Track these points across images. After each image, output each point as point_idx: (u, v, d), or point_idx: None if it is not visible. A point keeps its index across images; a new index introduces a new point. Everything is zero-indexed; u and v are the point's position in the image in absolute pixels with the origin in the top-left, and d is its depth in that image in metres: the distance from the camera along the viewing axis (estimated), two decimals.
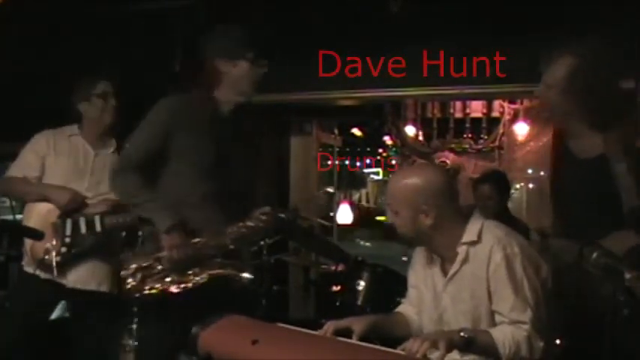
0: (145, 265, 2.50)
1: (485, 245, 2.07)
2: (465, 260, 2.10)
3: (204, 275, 2.48)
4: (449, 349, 1.84)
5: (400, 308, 2.37)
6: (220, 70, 2.56)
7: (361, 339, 2.05)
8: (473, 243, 2.09)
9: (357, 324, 2.10)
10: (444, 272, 2.17)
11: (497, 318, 2.03)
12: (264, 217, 2.57)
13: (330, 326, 2.08)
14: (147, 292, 2.47)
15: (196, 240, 2.50)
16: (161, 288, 2.48)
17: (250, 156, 2.80)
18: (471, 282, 2.08)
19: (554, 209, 2.58)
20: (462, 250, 2.11)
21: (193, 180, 2.54)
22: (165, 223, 2.48)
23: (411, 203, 2.10)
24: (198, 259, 2.49)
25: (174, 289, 2.47)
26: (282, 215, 2.68)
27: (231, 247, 2.52)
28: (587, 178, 2.36)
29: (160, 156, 2.55)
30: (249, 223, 2.55)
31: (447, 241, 2.13)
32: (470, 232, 2.11)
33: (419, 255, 2.31)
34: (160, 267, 2.49)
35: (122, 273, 2.52)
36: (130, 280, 2.49)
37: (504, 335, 1.95)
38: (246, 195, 2.72)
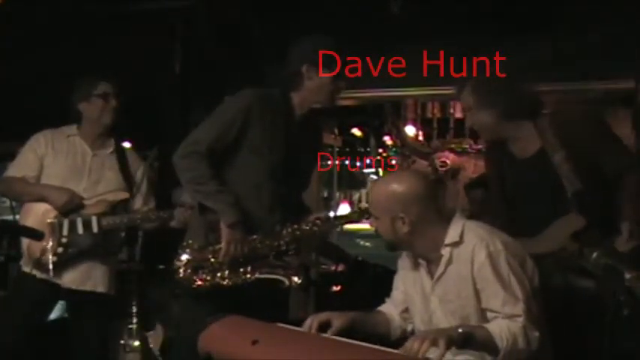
0: (198, 256, 2.52)
1: (467, 245, 2.08)
2: (450, 261, 2.12)
3: (254, 275, 2.51)
4: (448, 347, 1.84)
5: (382, 307, 2.39)
6: (304, 75, 2.58)
7: (342, 335, 2.06)
8: (456, 244, 2.11)
9: (337, 319, 2.14)
10: (431, 274, 2.18)
11: (490, 315, 2.03)
12: (319, 222, 2.60)
13: (314, 321, 2.12)
14: (197, 283, 2.50)
15: (253, 237, 2.52)
16: (211, 282, 2.50)
17: (313, 162, 2.88)
18: (457, 282, 2.10)
19: (499, 212, 2.68)
20: (445, 251, 2.12)
21: (259, 176, 2.56)
22: (231, 218, 2.48)
23: (387, 210, 2.14)
24: (251, 256, 2.52)
25: (223, 283, 2.50)
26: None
27: (284, 248, 2.55)
28: (531, 175, 2.50)
29: (230, 147, 2.55)
30: (305, 227, 2.58)
31: (430, 245, 2.15)
32: (452, 234, 2.12)
33: (405, 259, 2.33)
34: (212, 260, 2.51)
35: (175, 263, 2.52)
36: (181, 270, 2.51)
37: (500, 328, 1.95)
38: (301, 199, 2.79)
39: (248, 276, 2.51)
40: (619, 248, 2.26)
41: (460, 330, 1.91)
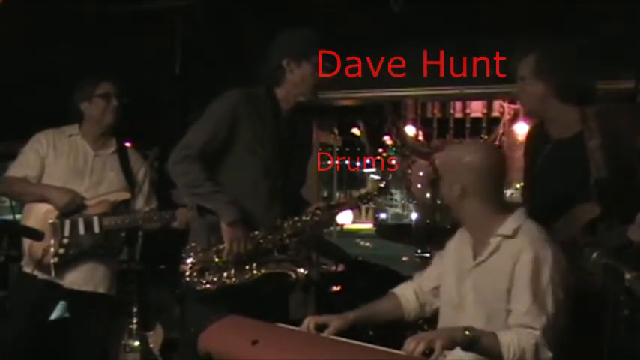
0: (202, 258, 2.53)
1: (517, 242, 2.07)
2: (495, 251, 2.10)
3: (260, 271, 2.52)
4: (449, 347, 1.84)
5: (399, 287, 2.39)
6: (285, 68, 2.60)
7: (344, 334, 2.06)
8: (507, 237, 2.09)
9: (335, 320, 2.14)
10: (474, 257, 2.18)
11: (510, 319, 2.01)
12: (319, 212, 2.61)
13: (310, 321, 2.12)
14: (205, 285, 2.50)
15: (255, 233, 2.53)
16: (218, 282, 2.51)
17: (306, 155, 2.87)
18: (495, 274, 2.08)
19: (529, 190, 2.67)
20: (494, 240, 2.11)
21: (254, 174, 2.58)
22: (230, 216, 2.50)
23: (446, 172, 2.20)
24: (255, 253, 2.53)
25: (230, 282, 2.50)
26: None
27: (287, 242, 2.56)
28: (565, 154, 2.46)
29: (222, 148, 2.58)
30: (305, 218, 2.59)
31: (483, 224, 2.15)
32: (507, 226, 2.11)
33: (456, 237, 2.33)
34: (217, 260, 2.52)
35: (181, 266, 2.53)
36: (187, 273, 2.52)
37: (510, 339, 1.93)
38: (298, 193, 2.79)
39: (254, 272, 2.52)
40: (630, 236, 2.24)
41: (467, 332, 1.90)
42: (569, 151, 2.45)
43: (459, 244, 2.30)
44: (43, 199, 2.98)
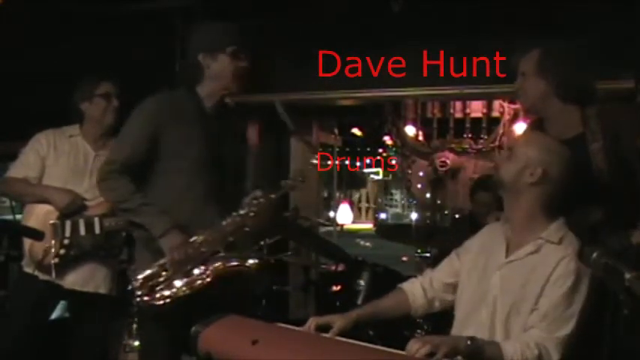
0: (150, 274, 2.46)
1: (562, 250, 2.04)
2: (534, 253, 2.08)
3: (210, 272, 2.45)
4: (450, 355, 1.83)
5: (408, 283, 2.36)
6: (202, 65, 2.56)
7: (348, 333, 2.05)
8: (551, 242, 2.08)
9: (339, 320, 2.11)
10: (507, 254, 2.15)
11: (532, 318, 2.00)
12: (255, 202, 2.55)
13: (312, 323, 2.09)
14: (160, 302, 2.43)
15: (194, 238, 2.47)
16: (173, 296, 2.43)
17: (240, 151, 2.78)
18: (528, 275, 2.05)
19: None
20: (535, 242, 2.09)
21: (185, 177, 2.53)
22: (160, 228, 2.45)
23: (528, 156, 2.12)
24: (201, 257, 2.47)
25: (184, 293, 2.43)
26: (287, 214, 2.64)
27: (231, 239, 2.49)
28: None
29: (148, 157, 2.53)
30: (242, 211, 2.52)
31: (529, 223, 2.12)
32: (552, 232, 2.10)
33: (483, 235, 2.31)
34: (164, 273, 2.45)
35: (130, 288, 2.47)
36: (139, 293, 2.45)
37: (514, 350, 1.92)
38: (240, 190, 2.70)
39: (205, 277, 2.44)
40: (635, 242, 2.24)
41: (469, 342, 1.89)
42: (573, 153, 2.45)
43: (486, 241, 2.26)
44: (44, 200, 2.98)
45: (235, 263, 2.48)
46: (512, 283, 2.08)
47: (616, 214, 2.28)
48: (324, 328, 2.10)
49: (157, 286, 2.44)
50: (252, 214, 2.52)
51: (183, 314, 2.34)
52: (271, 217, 2.56)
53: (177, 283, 2.44)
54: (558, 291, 1.99)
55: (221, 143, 2.60)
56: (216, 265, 2.46)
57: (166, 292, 2.43)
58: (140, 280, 2.44)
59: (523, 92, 2.53)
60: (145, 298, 2.43)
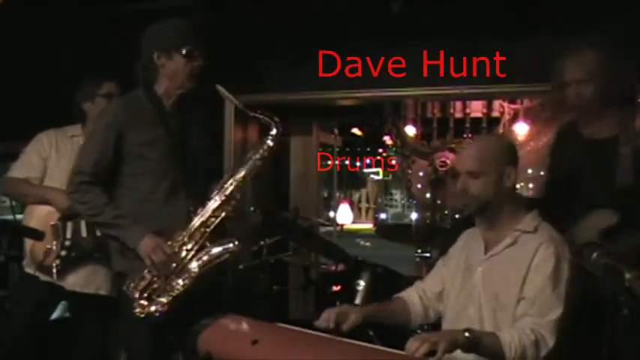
0: (144, 285, 2.48)
1: (538, 237, 2.09)
2: (511, 245, 2.12)
3: (196, 268, 2.46)
4: (450, 350, 1.84)
5: (404, 293, 2.39)
6: (157, 64, 2.56)
7: (357, 328, 2.08)
8: (527, 232, 2.12)
9: (354, 313, 2.15)
10: (486, 251, 2.19)
11: (520, 307, 2.03)
12: (216, 190, 2.54)
13: (330, 314, 2.11)
14: (160, 309, 2.45)
15: (169, 243, 2.48)
16: (170, 298, 2.46)
17: (204, 146, 2.76)
18: (509, 266, 2.09)
19: (551, 187, 2.66)
20: (512, 235, 2.13)
21: (148, 179, 2.55)
22: (135, 241, 2.48)
23: (499, 163, 2.14)
24: (184, 254, 2.49)
25: (179, 291, 2.45)
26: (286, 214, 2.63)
27: (206, 232, 2.50)
28: (600, 156, 2.44)
29: (115, 161, 2.56)
30: (211, 205, 2.52)
31: (505, 220, 2.16)
32: (527, 222, 2.14)
33: (462, 240, 2.35)
34: (155, 279, 2.47)
35: (132, 305, 2.49)
36: (136, 304, 2.48)
37: (511, 338, 1.94)
38: (207, 184, 2.71)
39: (193, 271, 2.47)
40: None
41: (467, 334, 1.90)
42: (603, 153, 2.42)
43: (466, 243, 2.31)
44: (45, 201, 2.97)
45: (218, 250, 2.49)
46: (494, 277, 2.12)
47: (634, 221, 2.28)
48: (341, 319, 2.12)
49: (153, 294, 2.47)
50: (219, 207, 2.51)
51: (171, 317, 2.41)
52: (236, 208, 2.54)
53: (169, 285, 2.46)
54: (541, 276, 2.02)
55: (184, 140, 2.60)
56: (200, 258, 2.48)
57: (164, 299, 2.46)
58: (136, 292, 2.48)
59: (574, 97, 2.48)
60: (144, 309, 2.46)
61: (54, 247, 2.91)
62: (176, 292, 2.45)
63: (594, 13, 3.57)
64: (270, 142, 2.54)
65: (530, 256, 2.06)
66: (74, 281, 3.02)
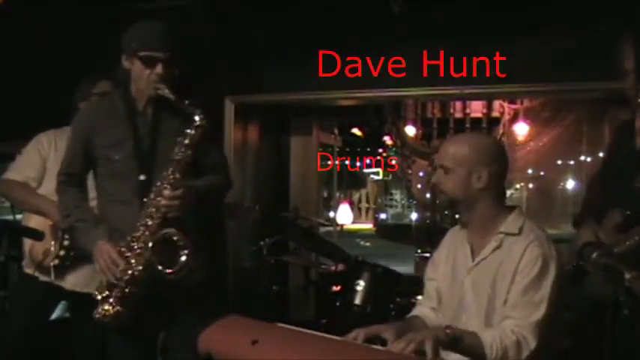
0: (107, 289, 2.46)
1: (524, 239, 2.06)
2: (498, 248, 2.09)
3: (149, 250, 2.41)
4: (435, 347, 1.82)
5: (416, 311, 2.34)
6: (125, 67, 2.57)
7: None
8: (512, 235, 2.09)
9: (387, 332, 2.04)
10: (472, 257, 2.16)
11: (506, 309, 2.01)
12: (166, 187, 2.46)
13: (360, 333, 2.02)
14: (117, 310, 2.43)
15: (120, 246, 2.46)
16: (125, 293, 2.43)
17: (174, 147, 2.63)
18: (496, 272, 2.07)
19: (599, 186, 2.68)
20: (496, 238, 2.10)
21: (112, 180, 2.55)
22: (91, 244, 2.49)
23: (467, 161, 2.09)
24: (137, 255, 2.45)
25: (134, 290, 2.43)
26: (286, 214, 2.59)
27: (157, 221, 2.42)
28: None
29: (91, 161, 2.58)
30: (159, 199, 2.44)
31: (488, 222, 2.12)
32: (510, 224, 2.10)
33: (445, 244, 2.31)
34: (117, 282, 2.44)
35: (96, 312, 2.47)
36: (99, 309, 2.45)
37: (493, 338, 1.93)
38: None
39: (147, 254, 2.41)
40: None
41: (448, 331, 1.90)
42: None
43: (450, 248, 2.28)
44: (40, 212, 2.95)
45: (166, 231, 2.43)
46: (483, 284, 2.10)
47: None
48: (370, 339, 2.03)
49: (119, 296, 2.44)
50: (167, 201, 2.43)
51: (143, 323, 2.44)
52: (190, 200, 2.49)
53: (128, 286, 2.42)
54: (526, 278, 2.00)
55: (155, 141, 2.56)
56: (152, 245, 2.41)
57: (119, 294, 2.43)
58: (99, 295, 2.46)
59: None
60: (106, 313, 2.43)
61: (53, 247, 2.90)
62: (129, 295, 2.43)
63: (594, 13, 3.58)
64: (192, 131, 2.48)
65: (517, 259, 2.03)
66: (74, 281, 3.01)
